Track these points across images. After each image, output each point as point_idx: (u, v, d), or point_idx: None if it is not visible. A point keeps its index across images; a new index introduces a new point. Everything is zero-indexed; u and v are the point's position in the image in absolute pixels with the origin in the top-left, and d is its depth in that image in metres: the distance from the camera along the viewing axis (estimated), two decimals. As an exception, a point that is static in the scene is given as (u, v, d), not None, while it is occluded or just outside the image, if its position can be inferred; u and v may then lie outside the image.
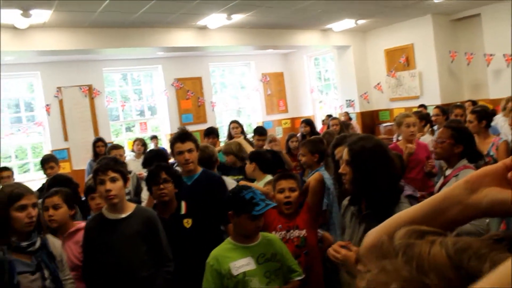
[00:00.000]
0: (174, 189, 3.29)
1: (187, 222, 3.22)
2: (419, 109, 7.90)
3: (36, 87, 10.42)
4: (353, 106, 11.78)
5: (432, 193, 3.46)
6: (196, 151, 3.71)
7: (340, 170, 2.37)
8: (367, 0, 8.19)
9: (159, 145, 10.18)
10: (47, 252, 2.67)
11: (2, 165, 6.90)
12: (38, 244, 2.61)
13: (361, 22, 10.19)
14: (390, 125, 10.22)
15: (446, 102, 9.31)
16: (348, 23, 10.10)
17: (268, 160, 4.40)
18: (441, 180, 3.39)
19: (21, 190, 2.58)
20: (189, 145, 3.59)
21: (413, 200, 3.00)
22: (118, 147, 6.27)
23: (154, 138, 10.07)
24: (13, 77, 10.21)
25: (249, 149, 5.06)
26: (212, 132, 6.68)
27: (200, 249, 2.76)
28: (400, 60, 10.90)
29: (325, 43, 11.17)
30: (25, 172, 10.65)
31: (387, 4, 8.68)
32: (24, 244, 2.55)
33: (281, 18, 8.94)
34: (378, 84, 11.53)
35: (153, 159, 4.54)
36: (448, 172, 3.30)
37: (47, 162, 5.89)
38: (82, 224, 3.20)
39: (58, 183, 3.75)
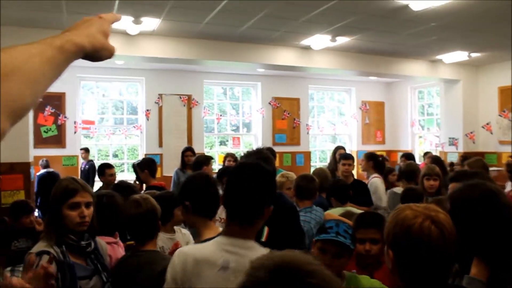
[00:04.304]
0: None
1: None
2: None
3: (140, 92, 10.85)
4: (456, 145, 10.93)
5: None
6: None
7: None
8: (487, 30, 7.51)
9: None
10: (99, 254, 2.43)
11: (100, 162, 7.15)
12: (93, 245, 2.39)
13: (474, 55, 9.46)
14: (498, 170, 9.21)
15: None
16: (461, 55, 9.42)
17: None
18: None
19: (76, 186, 2.33)
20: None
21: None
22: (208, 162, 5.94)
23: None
24: (121, 81, 10.78)
25: None
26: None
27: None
28: (516, 100, 9.95)
29: (433, 74, 10.51)
30: (121, 171, 11.07)
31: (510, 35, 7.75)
32: (83, 243, 2.32)
33: (389, 44, 8.52)
34: (488, 124, 10.61)
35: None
36: None
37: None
38: None
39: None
